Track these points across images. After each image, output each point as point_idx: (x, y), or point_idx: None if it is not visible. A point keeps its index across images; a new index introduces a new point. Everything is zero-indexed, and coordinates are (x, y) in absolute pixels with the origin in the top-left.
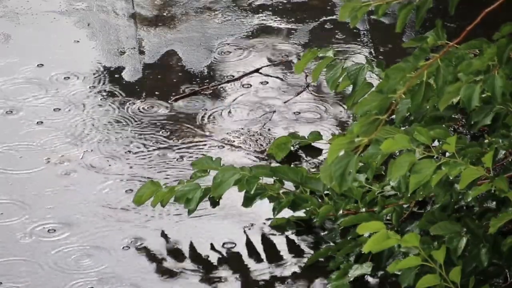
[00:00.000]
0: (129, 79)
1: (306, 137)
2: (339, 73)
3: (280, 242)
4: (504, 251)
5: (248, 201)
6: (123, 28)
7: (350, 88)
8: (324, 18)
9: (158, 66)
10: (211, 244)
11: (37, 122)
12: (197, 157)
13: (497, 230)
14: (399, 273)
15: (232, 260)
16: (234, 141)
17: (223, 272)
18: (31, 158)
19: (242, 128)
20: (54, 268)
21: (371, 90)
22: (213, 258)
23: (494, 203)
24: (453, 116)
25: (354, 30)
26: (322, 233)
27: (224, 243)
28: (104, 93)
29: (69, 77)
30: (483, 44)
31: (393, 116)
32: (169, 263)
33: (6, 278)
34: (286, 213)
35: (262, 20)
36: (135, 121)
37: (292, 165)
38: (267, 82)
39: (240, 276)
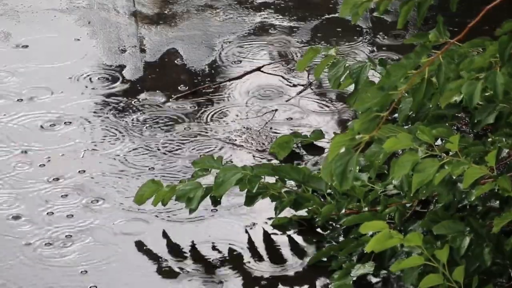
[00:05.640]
0: (130, 77)
1: (308, 136)
2: (341, 72)
3: (282, 241)
4: (508, 250)
5: (250, 200)
6: (124, 26)
7: (352, 86)
8: (326, 15)
9: (159, 65)
10: (212, 244)
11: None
12: (198, 156)
13: (501, 230)
14: (401, 272)
15: (233, 259)
16: (235, 140)
17: (225, 271)
18: (31, 156)
19: (244, 127)
20: (54, 269)
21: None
22: (215, 257)
23: (498, 202)
24: (456, 115)
25: (357, 28)
26: (324, 233)
27: (225, 243)
28: (105, 92)
29: (69, 77)
30: (486, 42)
31: (396, 115)
32: (170, 263)
33: None
34: (288, 212)
35: (264, 18)
36: (136, 120)
37: (294, 164)
38: (269, 81)
39: (242, 275)
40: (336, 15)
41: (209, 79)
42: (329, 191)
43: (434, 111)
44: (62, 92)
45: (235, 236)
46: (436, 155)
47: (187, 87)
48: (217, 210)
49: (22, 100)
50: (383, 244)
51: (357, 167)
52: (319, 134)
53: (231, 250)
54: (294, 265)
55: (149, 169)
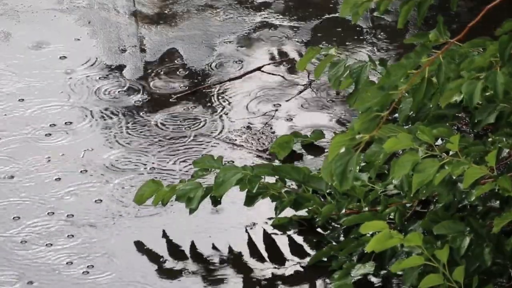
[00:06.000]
0: (130, 77)
1: (309, 136)
2: (342, 71)
3: (282, 241)
4: (508, 250)
5: (250, 200)
6: (124, 26)
7: (353, 86)
8: (327, 15)
9: (159, 64)
10: (213, 244)
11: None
12: (198, 156)
13: (501, 230)
14: (401, 272)
15: (233, 259)
16: (236, 139)
17: (225, 271)
18: (31, 155)
19: (244, 127)
20: (55, 270)
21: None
22: (215, 257)
23: (498, 202)
24: (456, 114)
25: (357, 28)
26: (324, 233)
27: (225, 243)
28: (105, 92)
29: (70, 77)
30: (486, 42)
31: (396, 115)
32: (170, 263)
33: None
34: (288, 212)
35: (264, 17)
36: (136, 120)
37: (294, 164)
38: (269, 81)
39: (242, 275)
40: (337, 15)
41: (209, 78)
42: (329, 191)
43: (434, 111)
44: (62, 92)
45: (235, 236)
46: (436, 155)
47: (187, 87)
48: (217, 210)
49: (23, 100)
50: (383, 244)
51: (357, 167)
52: (319, 134)
53: (231, 250)
54: (294, 265)
55: (150, 169)
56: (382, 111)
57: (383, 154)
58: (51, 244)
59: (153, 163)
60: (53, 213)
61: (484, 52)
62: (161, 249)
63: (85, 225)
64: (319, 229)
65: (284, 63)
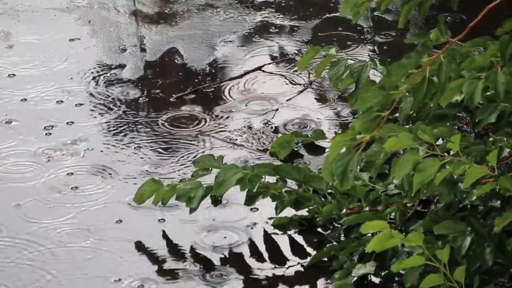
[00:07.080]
0: (130, 77)
1: (309, 136)
2: (342, 71)
3: (282, 241)
4: (509, 250)
5: (250, 200)
6: (124, 26)
7: (353, 86)
8: (327, 15)
9: (159, 64)
10: (212, 244)
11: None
12: (198, 155)
13: (502, 229)
14: (403, 272)
15: (234, 259)
16: (236, 139)
17: (225, 271)
18: (31, 154)
19: (244, 127)
20: (59, 274)
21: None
22: (215, 257)
23: (499, 202)
24: (457, 114)
25: (358, 27)
26: (325, 232)
27: (225, 243)
28: (105, 91)
29: (70, 77)
30: (487, 42)
31: (397, 114)
32: (171, 263)
33: None
34: (289, 212)
35: (265, 17)
36: (136, 119)
37: (294, 164)
38: (270, 80)
39: (242, 275)
40: (337, 14)
41: (209, 78)
42: (329, 190)
43: (435, 110)
44: (63, 91)
45: (235, 236)
46: (437, 155)
47: (188, 87)
48: (217, 210)
49: (25, 100)
50: (384, 244)
51: (358, 167)
52: (320, 133)
53: (231, 250)
54: (294, 265)
55: (154, 168)
56: (382, 111)
57: (383, 154)
58: (55, 245)
59: (153, 163)
60: (53, 213)
61: (485, 52)
62: (161, 249)
63: (84, 226)
64: (319, 229)
65: (285, 62)
